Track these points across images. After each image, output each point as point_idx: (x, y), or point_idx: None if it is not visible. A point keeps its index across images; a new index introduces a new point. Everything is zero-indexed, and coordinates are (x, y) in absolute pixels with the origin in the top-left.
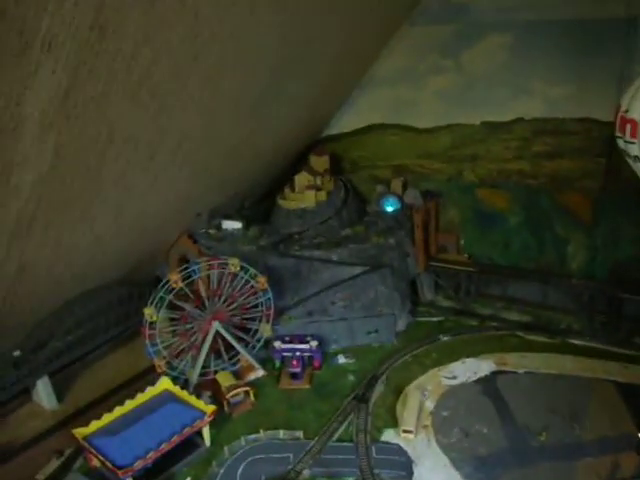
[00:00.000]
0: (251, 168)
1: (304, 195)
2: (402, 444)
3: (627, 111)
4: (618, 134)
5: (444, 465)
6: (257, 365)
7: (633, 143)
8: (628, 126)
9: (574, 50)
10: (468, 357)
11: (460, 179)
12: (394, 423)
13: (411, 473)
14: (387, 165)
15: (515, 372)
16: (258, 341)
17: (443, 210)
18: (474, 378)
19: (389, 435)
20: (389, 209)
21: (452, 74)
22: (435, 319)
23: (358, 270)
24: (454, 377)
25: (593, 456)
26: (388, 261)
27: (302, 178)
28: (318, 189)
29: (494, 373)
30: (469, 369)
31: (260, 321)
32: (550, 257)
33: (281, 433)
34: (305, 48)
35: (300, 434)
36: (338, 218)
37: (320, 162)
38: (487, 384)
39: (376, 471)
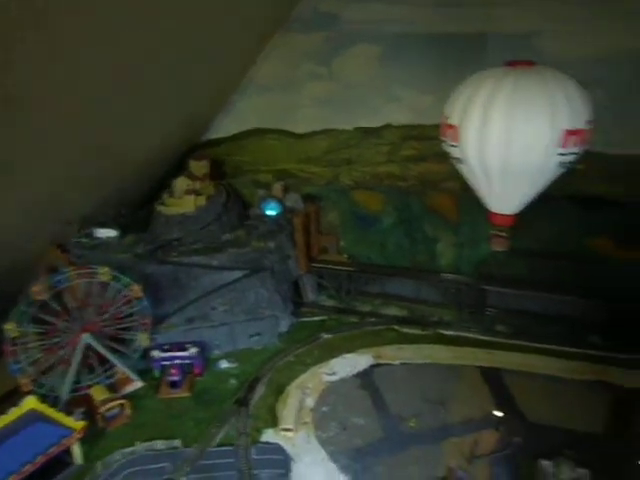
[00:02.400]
0: (124, 173)
1: (183, 200)
2: (282, 443)
3: (448, 118)
4: (443, 138)
5: (322, 459)
6: (134, 376)
7: (455, 146)
8: (450, 131)
9: (437, 62)
10: (348, 353)
11: (337, 183)
12: (275, 423)
13: (289, 470)
14: (268, 170)
15: (391, 364)
16: (135, 351)
17: (323, 213)
18: (353, 373)
19: (269, 435)
20: (270, 213)
21: (326, 81)
22: (317, 318)
23: (238, 274)
24: (334, 373)
25: (458, 436)
26: (268, 264)
27: (181, 183)
28: (198, 194)
29: (372, 366)
30: (348, 364)
31: (137, 331)
32: (422, 255)
33: (158, 444)
34: (171, 51)
35: (178, 443)
36: (218, 223)
37: (199, 166)
38: (365, 377)
39: (255, 471)
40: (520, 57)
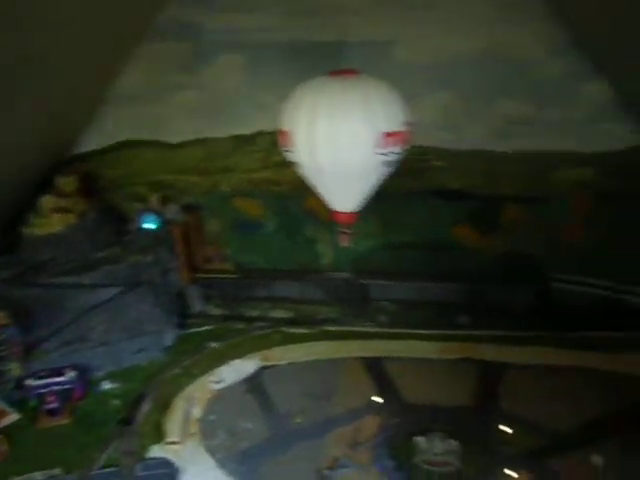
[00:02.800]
0: None
1: (50, 219)
2: (168, 456)
3: (281, 124)
4: (280, 144)
5: (209, 467)
6: (8, 409)
7: (290, 151)
8: (284, 137)
9: (297, 69)
10: (235, 359)
11: (217, 191)
12: (161, 438)
13: None
14: (145, 182)
15: (278, 365)
16: (7, 382)
17: (205, 222)
18: (241, 378)
19: (155, 451)
20: (149, 226)
21: (195, 90)
22: (205, 328)
23: (115, 291)
24: (221, 381)
25: (341, 426)
26: (148, 279)
27: (46, 201)
28: (67, 211)
29: (259, 370)
30: (236, 370)
31: (8, 360)
32: (305, 256)
33: (37, 475)
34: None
35: (58, 471)
36: (91, 240)
37: (67, 183)
38: (252, 382)
39: None
40: (374, 65)
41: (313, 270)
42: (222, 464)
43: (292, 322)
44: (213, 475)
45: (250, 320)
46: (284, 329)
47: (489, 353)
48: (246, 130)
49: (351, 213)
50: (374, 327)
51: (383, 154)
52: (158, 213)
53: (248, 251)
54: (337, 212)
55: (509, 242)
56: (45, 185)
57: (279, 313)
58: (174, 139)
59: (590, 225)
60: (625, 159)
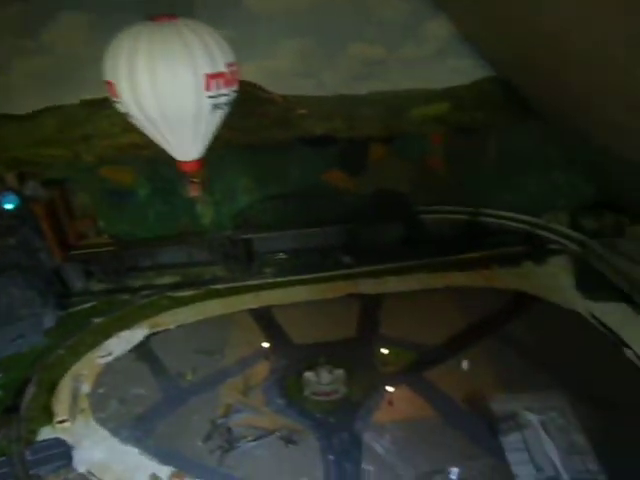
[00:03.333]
0: None
1: None
2: (60, 435)
3: (105, 74)
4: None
5: (103, 438)
6: None
7: (118, 102)
8: (109, 88)
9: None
10: (123, 330)
11: (79, 162)
12: (50, 420)
13: (70, 459)
14: None
15: (167, 329)
16: None
17: (72, 196)
18: (129, 348)
19: (46, 433)
20: (7, 207)
21: (38, 55)
22: (88, 305)
23: None
24: (109, 354)
25: (233, 376)
26: (14, 262)
27: None
28: None
29: (148, 337)
30: (124, 341)
31: None
32: (185, 219)
33: None
34: None
35: None
36: None
37: None
38: (141, 349)
39: (33, 472)
40: (228, 15)
41: (195, 232)
42: (115, 432)
43: (178, 286)
44: (108, 445)
45: (135, 290)
46: (170, 294)
47: (368, 287)
48: (99, 93)
49: (195, 161)
50: (261, 280)
51: (211, 97)
52: (16, 192)
53: (124, 221)
54: (181, 162)
55: (377, 181)
56: None
57: (165, 279)
58: (21, 110)
59: (448, 157)
60: (472, 92)
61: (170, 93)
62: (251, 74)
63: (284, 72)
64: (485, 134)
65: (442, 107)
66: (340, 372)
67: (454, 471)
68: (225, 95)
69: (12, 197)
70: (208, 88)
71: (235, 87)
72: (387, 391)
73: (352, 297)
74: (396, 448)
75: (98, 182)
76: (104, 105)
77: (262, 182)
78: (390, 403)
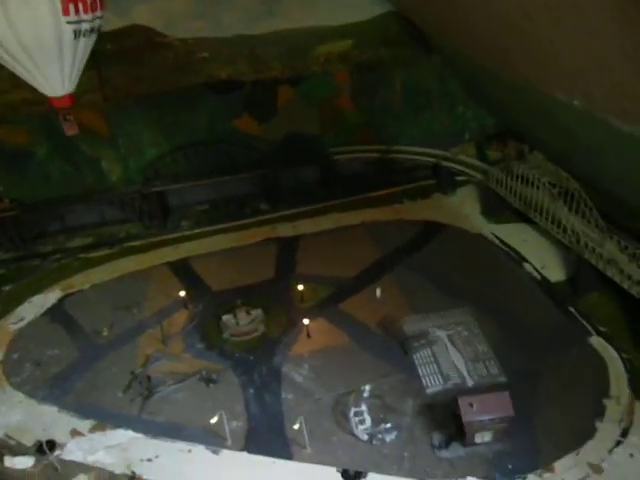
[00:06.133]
0: None
1: None
2: None
3: None
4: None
5: (19, 401)
6: None
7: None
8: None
9: None
10: (34, 295)
11: None
12: None
13: None
14: None
15: (81, 290)
16: None
17: None
18: (42, 312)
19: None
20: None
21: None
22: None
23: None
24: (21, 319)
25: (151, 327)
26: None
27: None
28: None
29: (61, 299)
30: (36, 306)
31: None
32: (91, 177)
33: None
34: None
35: None
36: None
37: None
38: (55, 312)
39: None
40: None
41: (103, 190)
42: (32, 394)
43: (91, 247)
44: (24, 407)
45: (46, 255)
46: (83, 255)
47: (286, 230)
48: None
49: (66, 97)
50: (176, 233)
51: (71, 22)
52: None
53: (25, 184)
54: (52, 98)
55: (288, 125)
56: None
57: (77, 242)
58: None
59: (355, 96)
60: (373, 28)
61: (25, 20)
62: (144, 17)
63: (179, 14)
64: (389, 71)
65: (345, 44)
66: (258, 312)
67: (366, 389)
68: (88, 21)
69: None
70: (66, 13)
71: (99, 13)
72: (304, 324)
73: (270, 241)
74: (313, 375)
75: None
76: None
77: (170, 132)
78: (308, 335)
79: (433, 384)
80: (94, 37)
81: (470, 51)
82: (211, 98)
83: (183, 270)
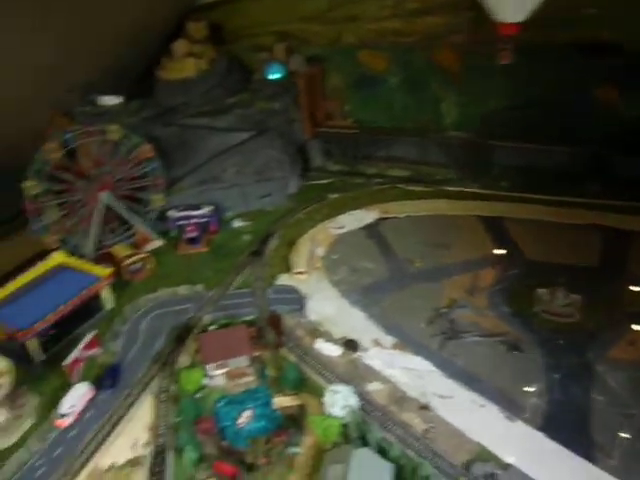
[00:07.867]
0: (120, 37)
1: (184, 64)
2: (296, 285)
3: None
4: None
5: (334, 296)
6: (154, 235)
7: None
8: None
9: None
10: (355, 210)
11: (340, 42)
12: (288, 269)
13: (304, 306)
14: (268, 32)
15: (396, 217)
16: (150, 212)
17: (327, 76)
18: (360, 226)
19: (283, 279)
20: (274, 76)
21: None
22: (325, 181)
23: (245, 135)
24: (342, 227)
25: (458, 274)
26: (274, 125)
27: (180, 45)
28: (198, 57)
29: (378, 220)
30: (356, 219)
31: (151, 191)
32: (427, 115)
33: (182, 289)
34: None
35: (200, 287)
36: (222, 87)
37: (198, 28)
38: (372, 229)
39: (272, 308)
40: None
41: (435, 130)
42: (345, 294)
43: (409, 180)
44: (338, 304)
45: (368, 177)
46: (401, 186)
47: (619, 221)
48: None
49: (515, 24)
50: (493, 190)
51: None
52: (283, 63)
53: (369, 108)
54: (502, 24)
55: None
56: (176, 32)
57: (396, 172)
58: None
59: None
60: None
61: None
62: None
63: None
64: None
65: None
66: (577, 297)
67: None
68: None
69: (279, 68)
70: None
71: None
72: (632, 330)
73: (596, 228)
74: (631, 386)
75: (353, 65)
76: None
77: (517, 88)
78: (632, 343)
79: None
80: None
81: None
82: (575, 60)
83: (495, 228)
